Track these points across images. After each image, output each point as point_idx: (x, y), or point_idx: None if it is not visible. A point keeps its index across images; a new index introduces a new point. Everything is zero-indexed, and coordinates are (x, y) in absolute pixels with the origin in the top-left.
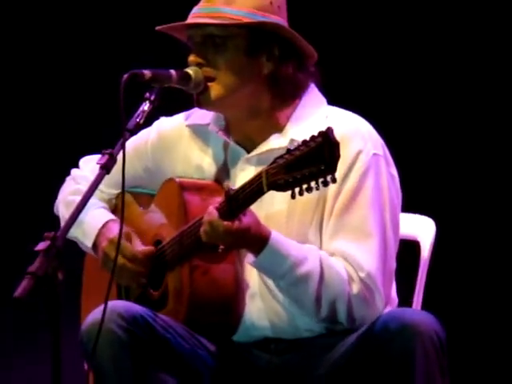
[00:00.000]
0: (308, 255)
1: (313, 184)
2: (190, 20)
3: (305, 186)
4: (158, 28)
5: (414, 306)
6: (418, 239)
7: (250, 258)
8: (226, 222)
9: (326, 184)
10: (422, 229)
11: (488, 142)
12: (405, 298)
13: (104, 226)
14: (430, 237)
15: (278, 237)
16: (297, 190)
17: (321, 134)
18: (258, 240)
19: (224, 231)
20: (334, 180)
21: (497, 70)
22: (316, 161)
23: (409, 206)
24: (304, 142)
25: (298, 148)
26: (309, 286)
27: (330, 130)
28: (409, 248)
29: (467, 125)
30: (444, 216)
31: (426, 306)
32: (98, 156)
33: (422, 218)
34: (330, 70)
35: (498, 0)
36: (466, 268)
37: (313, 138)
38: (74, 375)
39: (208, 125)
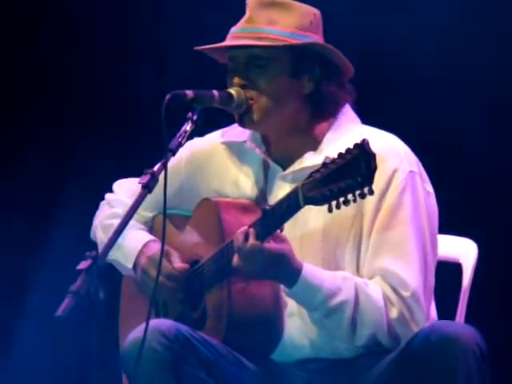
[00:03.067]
0: (342, 285)
1: (350, 197)
2: (234, 41)
3: (342, 199)
4: (198, 48)
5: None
6: (460, 261)
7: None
8: (258, 243)
9: (363, 196)
10: (464, 251)
11: None
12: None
13: (144, 245)
14: (473, 259)
15: (310, 269)
16: (334, 203)
17: (356, 145)
18: (290, 271)
19: (254, 254)
20: (371, 192)
21: None
22: (352, 173)
23: (451, 228)
24: (340, 154)
25: (333, 161)
26: (343, 317)
27: (365, 142)
28: (451, 270)
29: (508, 146)
30: (486, 238)
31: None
32: (132, 179)
33: (464, 240)
34: (365, 88)
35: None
36: (508, 290)
37: (348, 150)
38: None
39: (245, 142)
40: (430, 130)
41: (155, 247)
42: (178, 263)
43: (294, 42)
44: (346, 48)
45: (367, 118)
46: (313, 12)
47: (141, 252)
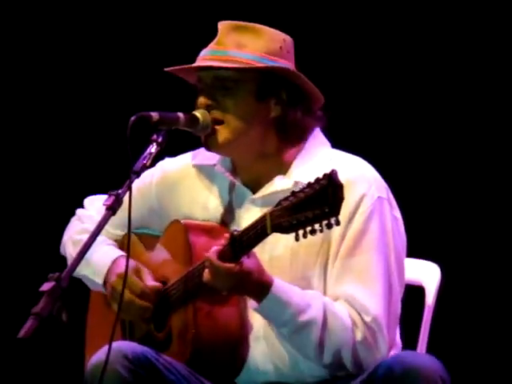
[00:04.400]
0: (311, 302)
1: (317, 226)
2: (202, 63)
3: (309, 229)
4: (167, 69)
5: (418, 350)
6: (423, 284)
7: (253, 302)
8: (227, 264)
9: (329, 226)
10: (426, 274)
11: (492, 187)
12: (409, 343)
13: (114, 261)
14: (435, 282)
15: (280, 284)
16: (301, 232)
17: (325, 176)
18: (259, 287)
19: (225, 273)
20: (337, 223)
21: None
22: (320, 203)
23: (413, 251)
24: (308, 184)
25: (302, 190)
26: (311, 334)
27: (333, 173)
28: (413, 293)
29: (470, 171)
30: (449, 261)
31: (430, 351)
32: (103, 196)
33: (426, 263)
34: (334, 114)
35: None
36: (471, 313)
37: (317, 180)
38: None
39: (214, 165)
40: (398, 155)
41: (123, 265)
42: (150, 281)
43: (259, 65)
44: (320, 74)
45: (340, 142)
46: (283, 38)
47: (110, 268)
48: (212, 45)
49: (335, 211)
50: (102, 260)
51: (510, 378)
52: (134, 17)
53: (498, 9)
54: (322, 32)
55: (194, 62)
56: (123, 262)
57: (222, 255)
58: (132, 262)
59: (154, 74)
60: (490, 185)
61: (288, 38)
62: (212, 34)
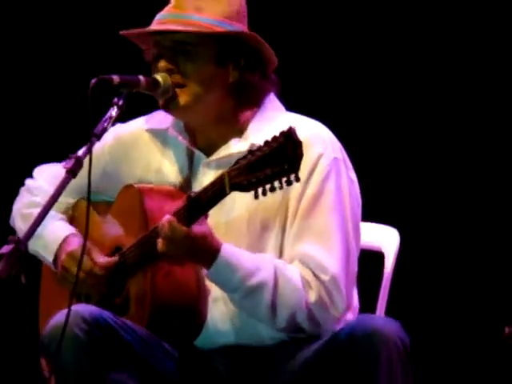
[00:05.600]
0: (261, 265)
1: (276, 184)
2: (161, 26)
3: (268, 186)
4: (122, 33)
5: (377, 314)
6: (382, 249)
7: (204, 269)
8: (179, 229)
9: (289, 183)
10: (385, 239)
11: (449, 150)
12: (368, 308)
13: (64, 240)
14: (394, 247)
15: (229, 248)
16: (260, 190)
17: (283, 133)
18: (208, 252)
19: (177, 240)
20: (297, 179)
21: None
22: (279, 160)
23: (373, 216)
24: (266, 142)
25: (260, 148)
26: (262, 297)
27: (292, 130)
28: (373, 258)
29: (429, 132)
30: (407, 225)
31: (388, 315)
32: (53, 165)
33: (385, 227)
34: (286, 76)
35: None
36: (429, 277)
37: (275, 138)
38: (32, 378)
39: (167, 129)
40: (354, 118)
41: (76, 242)
42: (99, 259)
43: (221, 29)
44: (272, 36)
45: (293, 106)
46: (239, 1)
47: (61, 247)
48: (170, 8)
49: (294, 167)
50: (52, 237)
51: (465, 340)
52: None
53: (498, 9)
54: None
55: (147, 25)
56: (73, 239)
57: (177, 219)
58: (82, 240)
59: (110, 37)
60: (448, 145)
61: (243, 1)
62: None
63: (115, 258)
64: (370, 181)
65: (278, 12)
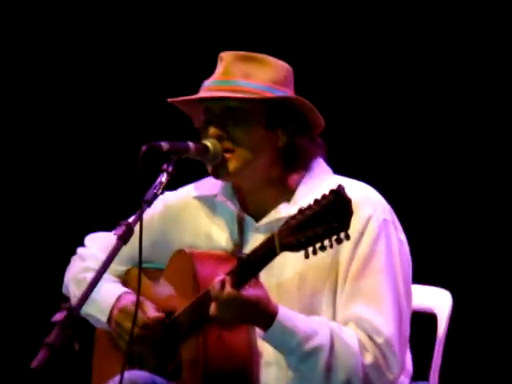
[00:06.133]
0: (318, 329)
1: (326, 242)
2: (211, 93)
3: (318, 245)
4: (171, 100)
5: (430, 380)
6: (435, 312)
7: (260, 331)
8: (232, 294)
9: (339, 241)
10: (438, 301)
11: (498, 212)
12: (421, 373)
13: (118, 298)
14: (447, 309)
15: (286, 312)
16: (310, 249)
17: (332, 191)
18: (265, 316)
19: (230, 304)
20: (347, 237)
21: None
22: (329, 218)
23: (425, 278)
24: (315, 201)
25: (309, 207)
26: (318, 361)
27: (341, 188)
28: (426, 321)
29: (478, 194)
30: (460, 288)
31: (442, 381)
32: (104, 234)
33: (438, 290)
34: (335, 140)
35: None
36: (483, 342)
37: (324, 196)
38: None
39: (216, 195)
40: (403, 180)
41: (128, 298)
42: (152, 312)
43: (270, 95)
44: (318, 101)
45: (341, 170)
46: (286, 67)
47: (114, 305)
48: (218, 75)
49: (344, 225)
50: (106, 297)
51: None
52: (140, 47)
53: (498, 9)
54: (315, 58)
55: (193, 93)
56: (127, 297)
57: (228, 282)
58: (135, 296)
59: (159, 105)
60: (497, 210)
61: (290, 67)
62: (210, 65)
63: (163, 314)
64: (420, 242)
65: (325, 76)
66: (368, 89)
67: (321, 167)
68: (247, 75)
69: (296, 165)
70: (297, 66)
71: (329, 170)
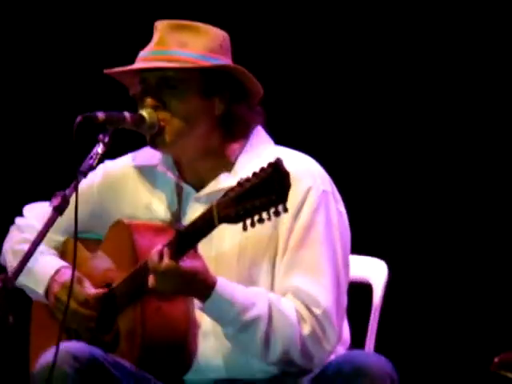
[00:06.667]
0: (256, 300)
1: (264, 215)
2: (146, 63)
3: (256, 218)
4: (107, 71)
5: (366, 348)
6: (371, 282)
7: (198, 302)
8: (170, 265)
9: (277, 214)
10: (374, 271)
11: (437, 180)
12: (357, 341)
13: (56, 272)
14: (383, 279)
15: (224, 283)
16: (248, 221)
17: (270, 164)
18: (203, 287)
19: (168, 275)
20: (285, 210)
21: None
22: (267, 191)
23: (361, 248)
24: (254, 173)
25: (248, 180)
26: (256, 332)
27: (279, 161)
28: (361, 291)
29: (415, 165)
30: (396, 258)
31: (378, 349)
32: (43, 204)
33: (373, 260)
34: (272, 108)
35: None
36: (418, 310)
37: (263, 169)
38: None
39: (156, 165)
40: (341, 151)
41: (67, 273)
42: (91, 289)
43: (205, 63)
44: (258, 69)
45: (280, 139)
46: (222, 34)
47: (52, 278)
48: (152, 45)
49: (282, 198)
50: (43, 270)
51: (455, 376)
52: (73, 17)
53: (498, 9)
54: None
55: (130, 63)
56: (65, 271)
57: (166, 253)
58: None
59: (94, 74)
60: (436, 179)
61: (226, 35)
62: (146, 34)
63: (105, 290)
64: (356, 212)
65: (262, 42)
66: (309, 53)
67: (260, 136)
68: (182, 44)
69: (235, 134)
70: (235, 32)
71: (269, 139)
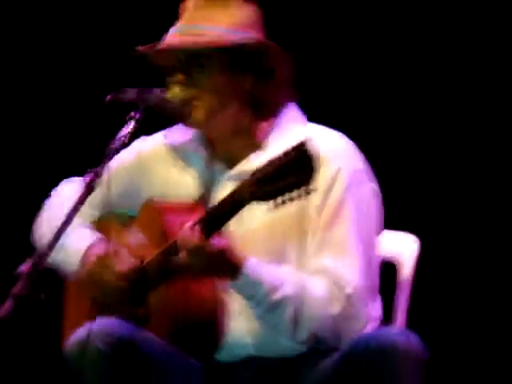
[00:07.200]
0: (285, 279)
1: (294, 194)
2: (173, 40)
3: (286, 197)
4: (140, 49)
5: (397, 325)
6: (401, 257)
7: (228, 281)
8: (198, 243)
9: (307, 193)
10: (404, 247)
11: (471, 158)
12: (388, 317)
13: (90, 245)
14: (413, 255)
15: (253, 262)
16: (276, 201)
17: (300, 144)
18: (231, 266)
19: (197, 253)
20: (313, 190)
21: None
22: (296, 170)
23: (391, 224)
24: (284, 152)
25: (278, 158)
26: (286, 312)
27: (308, 140)
28: (391, 266)
29: (449, 140)
30: (427, 233)
31: (410, 325)
32: (79, 178)
33: (404, 235)
34: (308, 86)
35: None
36: (451, 286)
37: (292, 148)
38: None
39: (188, 143)
40: (373, 127)
41: (101, 247)
42: (125, 262)
43: (233, 38)
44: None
45: (313, 115)
46: (253, 8)
47: (87, 252)
48: (181, 21)
49: (311, 177)
50: (77, 244)
51: (489, 352)
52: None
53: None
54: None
55: (158, 41)
56: (101, 245)
57: (196, 231)
58: (109, 244)
59: (121, 53)
60: (468, 156)
61: (258, 8)
62: (174, 13)
63: (137, 263)
64: (387, 187)
65: (300, 19)
66: (347, 34)
67: (291, 115)
68: (210, 19)
69: (265, 113)
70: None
71: (301, 117)
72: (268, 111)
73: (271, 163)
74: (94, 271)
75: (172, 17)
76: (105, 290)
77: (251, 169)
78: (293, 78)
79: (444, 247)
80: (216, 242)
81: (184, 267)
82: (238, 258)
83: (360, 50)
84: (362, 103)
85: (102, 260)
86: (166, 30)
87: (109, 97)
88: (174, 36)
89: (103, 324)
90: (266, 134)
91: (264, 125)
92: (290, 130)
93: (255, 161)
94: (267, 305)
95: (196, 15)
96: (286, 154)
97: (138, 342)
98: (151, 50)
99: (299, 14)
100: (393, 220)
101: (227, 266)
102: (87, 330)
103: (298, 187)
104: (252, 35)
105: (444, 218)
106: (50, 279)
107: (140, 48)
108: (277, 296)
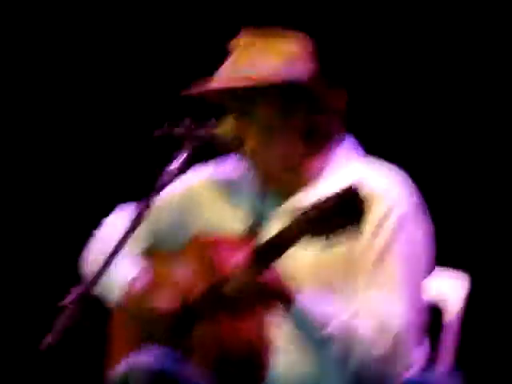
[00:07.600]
0: (331, 318)
1: (343, 235)
2: (224, 80)
3: (334, 238)
4: (185, 93)
5: (442, 367)
6: (448, 298)
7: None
8: (249, 277)
9: (356, 234)
10: (452, 287)
11: None
12: (433, 358)
13: (135, 278)
14: (461, 296)
15: (300, 299)
16: (325, 241)
17: (349, 187)
18: (280, 301)
19: (247, 286)
20: (361, 232)
21: None
22: (344, 213)
23: (441, 258)
24: (335, 193)
25: (328, 199)
26: (331, 350)
27: (357, 184)
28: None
29: (501, 178)
30: (477, 271)
31: (459, 364)
32: (128, 209)
33: (453, 273)
34: (361, 115)
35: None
36: (503, 324)
37: (342, 189)
38: None
39: (238, 177)
40: (425, 159)
41: (145, 280)
42: (168, 299)
43: (284, 75)
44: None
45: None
46: (303, 40)
47: (130, 285)
48: (232, 59)
49: (360, 221)
50: (123, 275)
51: None
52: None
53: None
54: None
55: (209, 77)
56: (144, 278)
57: (244, 267)
58: (151, 278)
59: (174, 92)
60: None
61: (308, 39)
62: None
63: (179, 306)
64: (439, 225)
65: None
66: (402, 63)
67: (345, 149)
68: (261, 56)
69: (318, 146)
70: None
71: (355, 151)
72: (321, 145)
73: (320, 203)
74: (137, 305)
75: (221, 54)
76: (149, 321)
77: (302, 206)
78: (345, 110)
79: (496, 284)
80: (265, 277)
81: (233, 301)
82: (288, 293)
83: (413, 78)
84: (417, 134)
85: (146, 293)
86: (215, 67)
87: (159, 132)
88: (226, 75)
89: (143, 361)
90: (319, 170)
91: (317, 159)
92: (343, 167)
93: (307, 197)
94: (313, 342)
95: (246, 53)
96: (337, 195)
97: (178, 378)
98: (204, 91)
99: (352, 44)
100: (443, 255)
101: (276, 300)
102: (129, 364)
103: (348, 229)
104: (303, 69)
105: (496, 253)
106: (98, 308)
107: (193, 90)
108: (323, 334)
